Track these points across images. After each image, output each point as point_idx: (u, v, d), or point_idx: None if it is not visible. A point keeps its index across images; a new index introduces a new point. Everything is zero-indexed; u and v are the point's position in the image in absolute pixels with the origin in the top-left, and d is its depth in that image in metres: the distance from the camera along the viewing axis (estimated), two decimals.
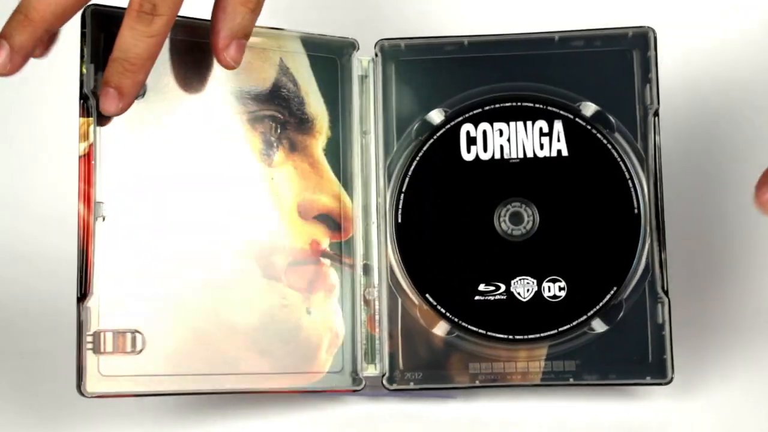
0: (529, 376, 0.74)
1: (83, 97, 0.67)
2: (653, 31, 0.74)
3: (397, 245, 0.74)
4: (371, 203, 0.75)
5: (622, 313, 0.73)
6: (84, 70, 0.67)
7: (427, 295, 0.73)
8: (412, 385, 0.73)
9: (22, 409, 0.70)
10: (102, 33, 0.68)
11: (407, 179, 0.75)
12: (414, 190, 0.75)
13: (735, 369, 0.79)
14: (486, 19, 0.86)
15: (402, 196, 0.74)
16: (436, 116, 0.75)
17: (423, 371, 0.74)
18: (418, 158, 0.75)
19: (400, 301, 0.74)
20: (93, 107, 0.67)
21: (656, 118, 0.74)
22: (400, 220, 0.74)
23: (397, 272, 0.74)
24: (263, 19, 0.68)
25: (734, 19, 0.87)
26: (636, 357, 0.73)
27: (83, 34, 0.67)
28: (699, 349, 0.80)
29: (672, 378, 0.73)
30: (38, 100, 0.89)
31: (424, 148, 0.75)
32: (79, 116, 0.67)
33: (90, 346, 0.66)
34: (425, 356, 0.74)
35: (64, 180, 0.69)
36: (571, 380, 0.73)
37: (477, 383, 0.74)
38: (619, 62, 0.75)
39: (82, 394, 0.65)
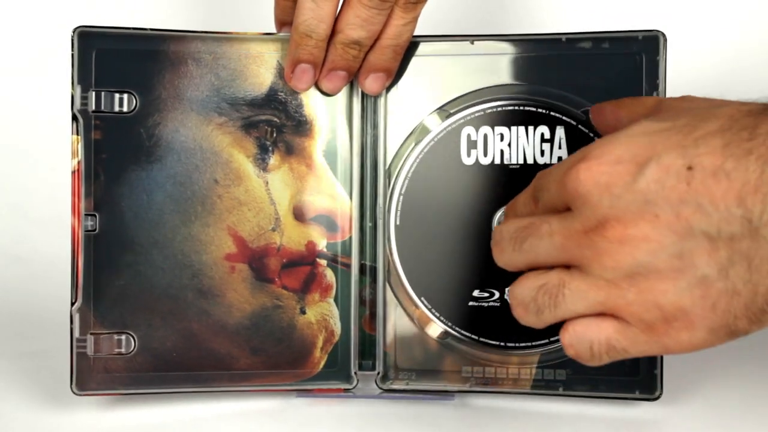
0: (520, 383, 0.74)
1: (73, 117, 0.70)
2: (663, 35, 0.70)
3: (394, 247, 0.74)
4: (368, 204, 0.75)
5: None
6: (72, 92, 0.70)
7: (423, 299, 0.74)
8: (405, 385, 0.75)
9: (20, 408, 0.74)
10: (92, 51, 0.70)
11: (406, 181, 0.74)
12: (413, 192, 0.74)
13: (726, 384, 0.78)
14: (494, 18, 0.83)
15: (401, 198, 0.74)
16: (437, 117, 0.74)
17: (417, 371, 0.75)
18: (418, 160, 0.74)
19: (397, 301, 0.75)
20: (82, 126, 0.70)
21: None
22: (398, 222, 0.75)
23: (395, 273, 0.75)
24: (260, 25, 0.69)
25: (744, 28, 0.80)
26: (626, 370, 0.72)
27: (71, 56, 0.70)
28: (689, 364, 0.78)
29: (661, 393, 0.72)
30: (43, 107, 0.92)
31: (425, 150, 0.74)
32: (71, 134, 0.70)
33: (81, 348, 0.71)
34: (420, 357, 0.75)
35: (64, 185, 0.72)
36: (561, 390, 0.73)
37: (469, 386, 0.75)
38: (627, 66, 0.71)
39: (75, 393, 0.70)
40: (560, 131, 0.72)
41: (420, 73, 0.75)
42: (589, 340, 0.53)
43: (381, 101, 0.74)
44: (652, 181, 0.49)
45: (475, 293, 0.74)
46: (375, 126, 0.75)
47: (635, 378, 0.72)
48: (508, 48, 0.74)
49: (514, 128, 0.73)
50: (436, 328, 0.75)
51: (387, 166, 0.75)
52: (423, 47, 0.74)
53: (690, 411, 0.73)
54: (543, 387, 0.74)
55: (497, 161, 0.73)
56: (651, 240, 0.49)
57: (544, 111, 0.73)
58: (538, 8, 0.85)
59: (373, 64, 0.72)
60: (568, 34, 0.73)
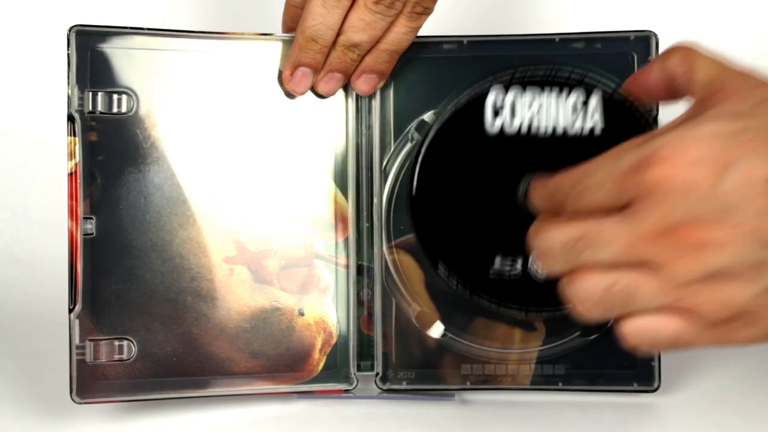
0: (519, 379, 0.75)
1: (70, 118, 0.69)
2: (655, 35, 0.72)
3: (411, 218, 0.73)
4: (365, 204, 0.75)
5: (611, 321, 0.73)
6: (69, 92, 0.69)
7: (440, 265, 0.71)
8: (404, 385, 0.75)
9: (19, 410, 0.73)
10: (89, 51, 0.70)
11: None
12: (432, 162, 0.72)
13: (723, 375, 0.80)
14: (488, 19, 0.84)
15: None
16: (432, 117, 0.75)
17: (416, 371, 0.75)
18: (437, 130, 0.72)
19: (394, 301, 0.75)
20: (79, 127, 0.69)
21: (654, 125, 0.72)
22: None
23: (392, 273, 0.75)
24: (259, 26, 0.69)
25: (737, 28, 0.83)
26: (624, 364, 0.74)
27: (68, 56, 0.69)
28: (686, 356, 0.80)
29: (659, 385, 0.73)
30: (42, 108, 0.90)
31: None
32: (67, 135, 0.69)
33: (79, 355, 0.69)
34: (418, 356, 0.75)
35: (64, 187, 0.71)
36: (560, 384, 0.74)
37: (468, 384, 0.75)
38: (620, 66, 0.73)
39: (75, 402, 0.69)
40: (595, 99, 0.70)
41: (414, 74, 0.75)
42: (652, 334, 0.52)
43: (375, 102, 0.75)
44: (733, 188, 0.48)
45: (497, 263, 0.73)
46: (369, 126, 0.75)
47: (633, 371, 0.74)
48: (501, 49, 0.75)
49: (545, 91, 0.70)
50: (435, 327, 0.75)
51: (383, 166, 0.75)
52: (417, 48, 0.74)
53: (688, 401, 0.75)
54: (542, 382, 0.75)
55: (524, 130, 0.70)
56: (728, 247, 0.49)
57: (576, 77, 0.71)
58: (532, 9, 0.86)
59: (367, 65, 0.72)
60: (562, 34, 0.74)
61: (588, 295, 0.53)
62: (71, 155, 0.70)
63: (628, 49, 0.73)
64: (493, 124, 0.70)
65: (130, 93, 0.71)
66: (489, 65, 0.74)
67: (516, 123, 0.70)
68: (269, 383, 0.74)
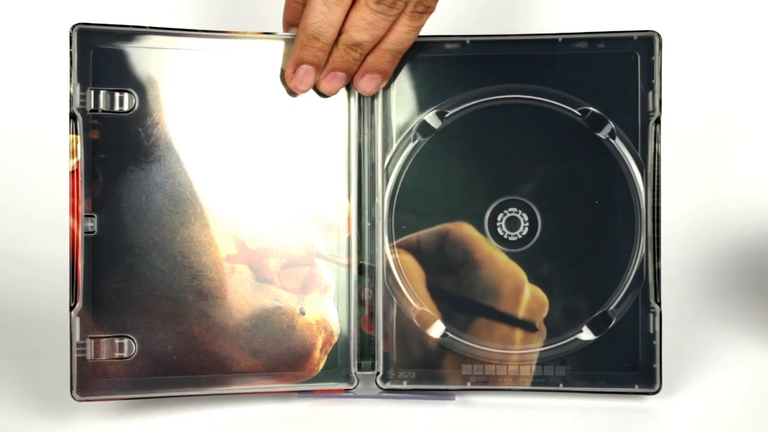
0: (520, 380, 0.74)
1: (71, 116, 0.69)
2: (659, 36, 0.72)
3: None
4: (366, 204, 0.75)
5: (613, 322, 0.73)
6: (71, 90, 0.69)
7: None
8: (405, 385, 0.75)
9: (20, 408, 0.73)
10: (91, 49, 0.69)
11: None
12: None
13: (723, 376, 0.80)
14: (491, 19, 0.84)
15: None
16: (433, 117, 0.75)
17: (416, 371, 0.75)
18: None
19: (395, 301, 0.75)
20: (81, 125, 0.69)
21: (657, 125, 0.72)
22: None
23: (393, 273, 0.75)
24: (260, 25, 0.69)
25: (738, 27, 0.83)
26: (626, 365, 0.73)
27: (70, 54, 0.69)
28: (686, 357, 0.80)
29: (660, 387, 0.73)
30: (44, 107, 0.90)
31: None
32: (69, 134, 0.69)
33: (80, 353, 0.69)
34: (419, 356, 0.75)
35: (65, 186, 0.71)
36: (561, 386, 0.74)
37: (469, 385, 0.75)
38: (623, 66, 0.73)
39: (75, 399, 0.69)
40: None
41: (417, 73, 0.75)
42: None
43: (377, 101, 0.75)
44: None
45: None
46: (372, 126, 0.75)
47: (634, 372, 0.74)
48: (504, 48, 0.74)
49: None
50: (436, 327, 0.75)
51: (385, 166, 0.75)
52: (420, 47, 0.74)
53: (689, 403, 0.75)
54: (543, 383, 0.74)
55: None
56: None
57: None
58: (535, 9, 0.86)
59: (370, 65, 0.72)
60: (564, 34, 0.74)
61: None
62: (73, 153, 0.70)
63: (632, 49, 0.73)
64: None
65: (131, 91, 0.71)
66: (492, 65, 0.74)
67: None
68: (270, 382, 0.74)
